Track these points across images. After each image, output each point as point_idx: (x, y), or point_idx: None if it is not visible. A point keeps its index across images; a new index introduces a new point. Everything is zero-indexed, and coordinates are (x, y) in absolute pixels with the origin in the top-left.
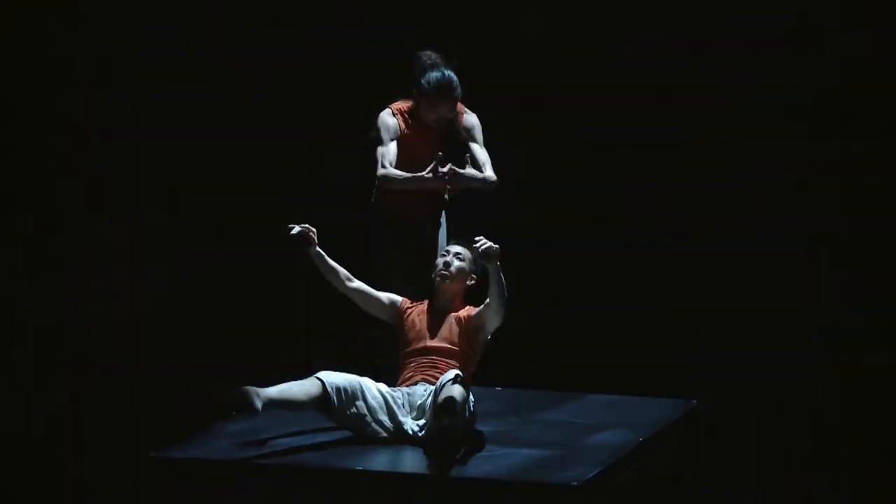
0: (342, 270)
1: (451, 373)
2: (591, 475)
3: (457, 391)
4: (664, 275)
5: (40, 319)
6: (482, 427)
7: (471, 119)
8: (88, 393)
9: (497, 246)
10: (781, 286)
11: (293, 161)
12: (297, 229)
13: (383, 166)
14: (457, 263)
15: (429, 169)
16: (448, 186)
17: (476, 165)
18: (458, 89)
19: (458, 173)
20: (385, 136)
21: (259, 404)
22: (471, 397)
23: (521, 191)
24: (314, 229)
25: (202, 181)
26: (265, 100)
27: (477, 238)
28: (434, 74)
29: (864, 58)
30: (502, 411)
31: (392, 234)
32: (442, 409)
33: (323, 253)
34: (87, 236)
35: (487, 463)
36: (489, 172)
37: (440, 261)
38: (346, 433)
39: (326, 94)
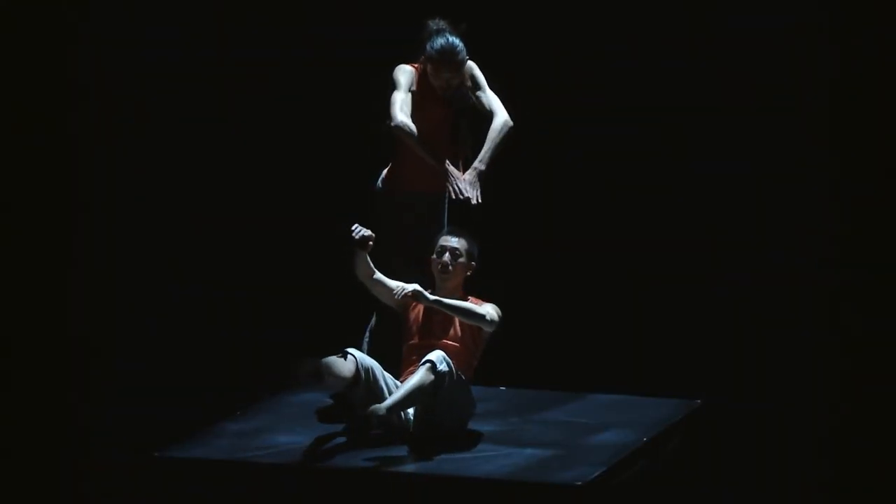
0: (372, 266)
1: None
2: (593, 475)
3: (436, 354)
4: (665, 275)
5: (41, 318)
6: (484, 427)
7: (469, 69)
8: (89, 392)
9: (411, 286)
10: (781, 286)
11: (293, 161)
12: (363, 233)
13: (402, 111)
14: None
15: (451, 190)
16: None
17: (487, 113)
18: (463, 54)
19: (481, 173)
20: (402, 82)
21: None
22: (457, 374)
23: (519, 189)
24: (374, 236)
25: (202, 180)
26: (265, 100)
27: (395, 291)
28: (439, 40)
29: (864, 58)
30: (504, 411)
31: (395, 218)
32: None
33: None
34: (91, 236)
35: (489, 463)
36: (503, 116)
37: (437, 260)
38: (344, 436)
39: (326, 95)
